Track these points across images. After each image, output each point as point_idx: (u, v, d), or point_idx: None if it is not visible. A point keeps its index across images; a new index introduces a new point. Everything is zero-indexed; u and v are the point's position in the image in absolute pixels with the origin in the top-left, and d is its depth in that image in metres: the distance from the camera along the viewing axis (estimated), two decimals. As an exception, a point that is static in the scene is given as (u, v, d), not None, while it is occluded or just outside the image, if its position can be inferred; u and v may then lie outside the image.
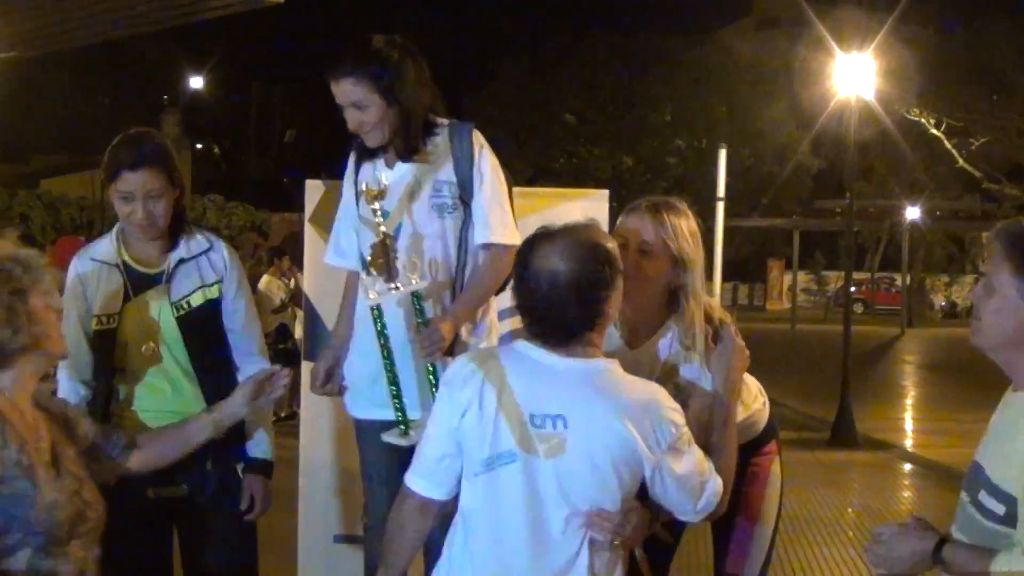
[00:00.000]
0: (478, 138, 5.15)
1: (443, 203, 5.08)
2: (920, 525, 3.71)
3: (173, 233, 5.24)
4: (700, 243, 4.70)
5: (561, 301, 3.85)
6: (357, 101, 4.99)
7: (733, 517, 4.92)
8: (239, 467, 5.26)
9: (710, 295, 5.00)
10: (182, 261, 5.22)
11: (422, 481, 4.03)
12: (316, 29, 60.64)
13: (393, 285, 4.91)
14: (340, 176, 5.46)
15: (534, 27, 55.46)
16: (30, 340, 3.93)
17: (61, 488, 3.89)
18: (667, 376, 4.57)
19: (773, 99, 49.56)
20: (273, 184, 60.50)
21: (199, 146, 63.29)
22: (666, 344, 4.66)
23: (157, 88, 59.34)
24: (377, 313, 4.95)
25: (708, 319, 4.65)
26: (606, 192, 6.76)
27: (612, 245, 4.03)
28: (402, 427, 4.95)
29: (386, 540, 4.20)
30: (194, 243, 5.29)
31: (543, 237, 3.94)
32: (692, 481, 4.04)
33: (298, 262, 17.10)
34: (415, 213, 5.09)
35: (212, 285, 5.26)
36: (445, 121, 5.21)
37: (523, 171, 49.18)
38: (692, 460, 4.02)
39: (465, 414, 3.88)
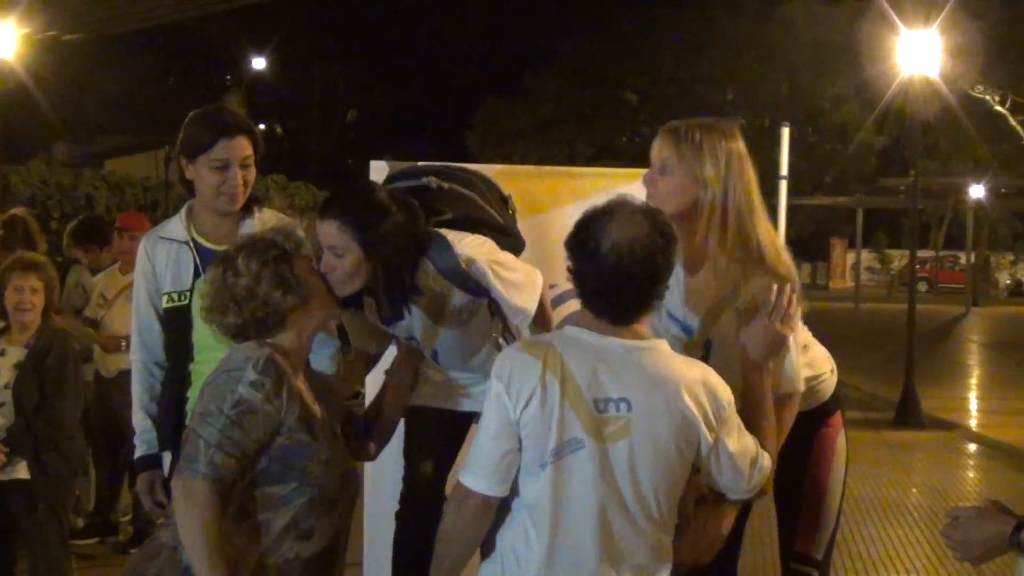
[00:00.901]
0: (459, 252, 4.86)
1: (465, 318, 5.00)
2: (997, 508, 3.68)
3: (243, 209, 5.28)
4: (737, 163, 4.60)
5: (627, 280, 3.85)
6: (332, 246, 4.67)
7: (799, 492, 4.90)
8: None
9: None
10: (253, 237, 5.26)
11: (483, 480, 3.91)
12: (379, 9, 60.76)
13: None
14: (403, 156, 5.42)
15: (596, 4, 55.27)
16: (300, 300, 4.17)
17: (335, 447, 4.15)
18: (724, 305, 4.57)
19: (836, 76, 49.18)
20: (335, 163, 60.69)
21: (262, 126, 63.52)
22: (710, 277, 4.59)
23: (220, 68, 59.74)
24: None
25: (773, 273, 4.53)
26: (669, 171, 6.73)
27: (668, 220, 4.03)
28: None
29: (445, 545, 4.07)
30: (263, 219, 5.32)
31: (605, 215, 3.92)
32: (745, 458, 4.07)
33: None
34: (446, 342, 5.07)
35: (283, 260, 5.30)
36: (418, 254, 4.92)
37: (585, 150, 49.14)
38: (745, 438, 4.07)
39: (528, 405, 3.82)
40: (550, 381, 3.82)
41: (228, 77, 60.39)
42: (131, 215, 10.63)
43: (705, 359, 4.47)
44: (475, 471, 3.92)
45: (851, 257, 60.40)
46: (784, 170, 11.88)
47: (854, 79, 46.86)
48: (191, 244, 5.21)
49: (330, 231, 4.63)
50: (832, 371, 5.14)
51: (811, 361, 4.99)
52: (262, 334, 4.13)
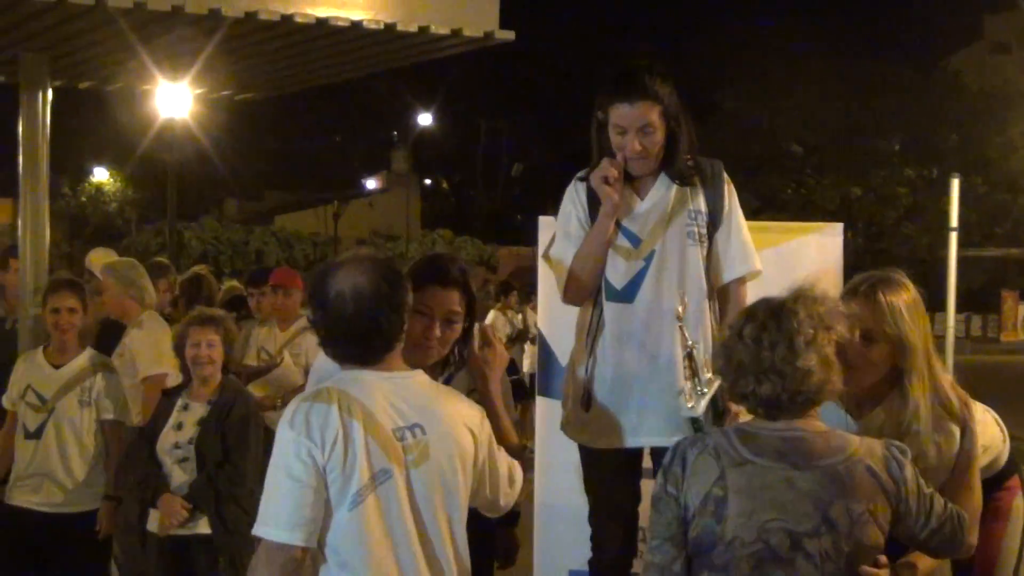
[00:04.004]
0: (725, 172, 5.30)
1: (694, 231, 5.12)
2: None
3: None
4: (920, 314, 4.60)
5: (372, 313, 3.93)
6: (645, 125, 5.05)
7: (971, 556, 4.83)
8: None
9: (943, 327, 4.92)
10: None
11: (300, 532, 3.81)
12: (542, 65, 61.13)
13: (700, 389, 4.88)
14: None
15: (757, 57, 55.05)
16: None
17: None
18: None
19: (1006, 125, 48.41)
20: (500, 218, 61.03)
21: (428, 181, 64.24)
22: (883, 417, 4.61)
23: (387, 125, 60.56)
24: (696, 422, 4.91)
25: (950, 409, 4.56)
26: (840, 226, 6.71)
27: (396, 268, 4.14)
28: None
29: None
30: None
31: (334, 266, 4.05)
32: (505, 477, 4.27)
33: (524, 296, 17.30)
34: (668, 240, 5.13)
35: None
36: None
37: (749, 203, 48.81)
38: (504, 456, 4.28)
39: (334, 448, 3.81)
40: (349, 421, 3.85)
41: (395, 133, 61.18)
42: (285, 272, 10.64)
43: None
44: (288, 524, 3.84)
45: (1022, 309, 59.20)
46: (954, 221, 11.76)
47: (1024, 128, 46.14)
48: None
49: (640, 111, 5.05)
50: (1005, 440, 5.10)
51: (987, 445, 4.96)
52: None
